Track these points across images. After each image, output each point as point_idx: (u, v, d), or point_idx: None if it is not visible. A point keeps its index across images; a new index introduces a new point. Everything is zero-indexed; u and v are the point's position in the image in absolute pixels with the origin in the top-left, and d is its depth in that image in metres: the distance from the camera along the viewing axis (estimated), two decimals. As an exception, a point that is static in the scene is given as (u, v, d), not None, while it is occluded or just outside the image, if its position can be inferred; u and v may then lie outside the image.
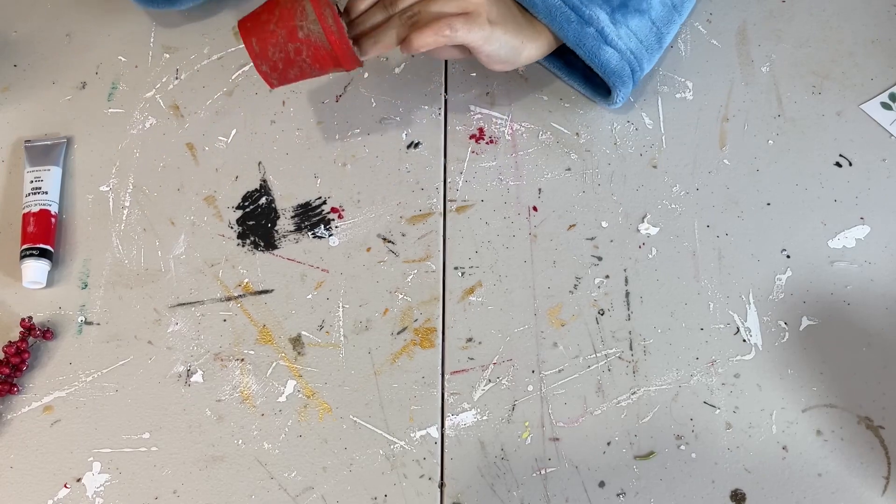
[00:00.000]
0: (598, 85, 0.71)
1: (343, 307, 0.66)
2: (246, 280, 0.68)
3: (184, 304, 0.67)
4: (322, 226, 0.69)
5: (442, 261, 0.68)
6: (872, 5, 0.76)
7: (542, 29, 0.65)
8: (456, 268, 0.67)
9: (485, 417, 0.62)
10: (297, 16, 0.58)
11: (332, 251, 0.68)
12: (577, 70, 0.72)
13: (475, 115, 0.73)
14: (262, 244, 0.69)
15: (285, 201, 0.70)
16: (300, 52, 0.60)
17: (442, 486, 0.61)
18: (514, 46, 0.63)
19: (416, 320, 0.66)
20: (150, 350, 0.66)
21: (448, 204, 0.70)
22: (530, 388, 0.63)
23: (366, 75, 0.75)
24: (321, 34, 0.59)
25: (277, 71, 0.61)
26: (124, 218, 0.71)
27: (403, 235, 0.69)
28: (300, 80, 0.62)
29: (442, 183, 0.71)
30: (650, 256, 0.67)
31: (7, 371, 0.63)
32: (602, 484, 0.60)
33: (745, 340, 0.64)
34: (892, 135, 0.70)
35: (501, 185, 0.70)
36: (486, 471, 0.61)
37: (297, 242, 0.69)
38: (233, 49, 0.77)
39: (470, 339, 0.65)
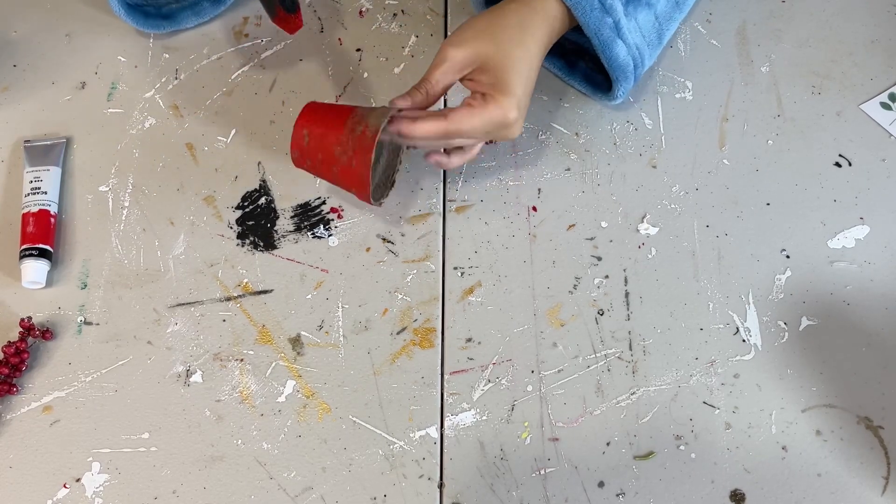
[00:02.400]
0: (597, 83, 0.71)
1: (342, 307, 0.66)
2: (245, 280, 0.68)
3: (183, 304, 0.67)
4: (321, 226, 0.69)
5: (441, 261, 0.68)
6: (872, 5, 0.76)
7: (548, 29, 0.64)
8: (455, 268, 0.67)
9: (484, 417, 0.62)
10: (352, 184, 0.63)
11: (331, 251, 0.68)
12: (578, 70, 0.72)
13: (475, 115, 0.73)
14: (261, 244, 0.69)
15: (285, 201, 0.70)
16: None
17: (441, 486, 0.61)
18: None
19: (415, 320, 0.66)
20: (150, 350, 0.66)
21: (447, 204, 0.70)
22: (530, 388, 0.63)
23: (365, 76, 0.75)
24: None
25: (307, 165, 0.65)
26: (124, 218, 0.71)
27: (403, 235, 0.69)
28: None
29: (441, 183, 0.71)
30: (650, 256, 0.67)
31: (6, 371, 0.63)
32: (601, 484, 0.60)
33: (744, 340, 0.64)
34: (891, 135, 0.70)
35: (501, 186, 0.70)
36: (486, 471, 0.61)
37: (296, 242, 0.69)
38: (232, 49, 0.77)
39: (469, 340, 0.65)
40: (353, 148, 0.60)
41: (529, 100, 0.62)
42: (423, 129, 0.60)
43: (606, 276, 0.66)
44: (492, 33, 0.61)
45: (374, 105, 0.73)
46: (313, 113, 0.62)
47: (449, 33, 0.76)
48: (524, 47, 0.60)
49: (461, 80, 0.62)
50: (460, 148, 0.65)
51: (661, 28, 0.67)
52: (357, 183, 0.61)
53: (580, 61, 0.72)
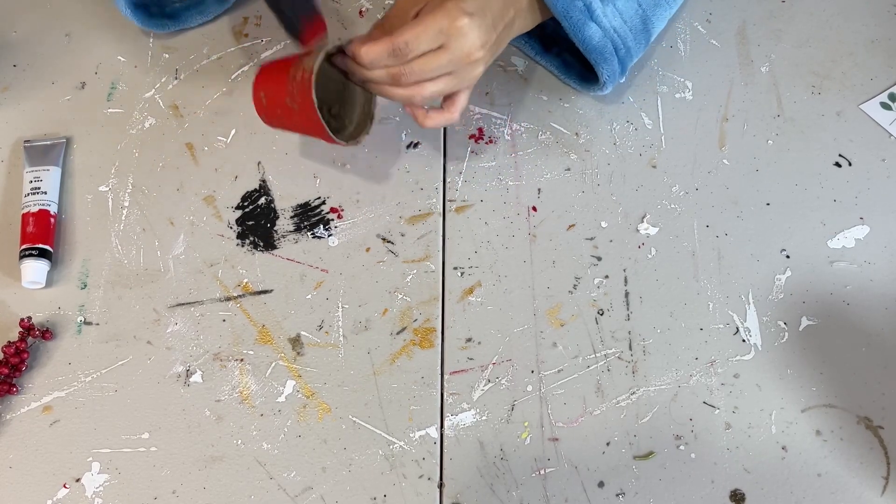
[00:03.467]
0: (594, 82, 0.71)
1: (342, 307, 0.66)
2: (245, 280, 0.68)
3: (183, 304, 0.67)
4: (321, 226, 0.69)
5: (441, 261, 0.68)
6: (872, 5, 0.76)
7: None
8: (455, 268, 0.67)
9: (484, 417, 0.62)
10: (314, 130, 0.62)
11: (331, 251, 0.68)
12: (574, 69, 0.72)
13: (474, 114, 0.73)
14: (261, 244, 0.69)
15: (285, 201, 0.70)
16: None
17: (441, 486, 0.61)
18: (503, 43, 0.63)
19: (415, 320, 0.66)
20: (150, 350, 0.66)
21: (447, 204, 0.70)
22: (529, 388, 0.63)
23: (365, 75, 0.75)
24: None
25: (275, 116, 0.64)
26: (123, 218, 0.71)
27: (403, 235, 0.69)
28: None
29: (441, 183, 0.71)
30: (649, 256, 0.67)
31: (6, 371, 0.63)
32: (601, 484, 0.60)
33: (744, 340, 0.64)
34: (891, 135, 0.70)
35: (501, 185, 0.70)
36: (486, 471, 0.61)
37: (296, 242, 0.69)
38: (232, 49, 0.77)
39: (469, 340, 0.65)
40: (298, 93, 0.59)
41: (492, 23, 0.59)
42: (370, 49, 0.58)
43: (606, 276, 0.66)
44: None
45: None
46: (266, 72, 0.63)
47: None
48: None
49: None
50: (440, 107, 0.63)
51: (645, 15, 0.67)
52: (314, 127, 0.61)
53: (573, 57, 0.72)
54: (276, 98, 0.62)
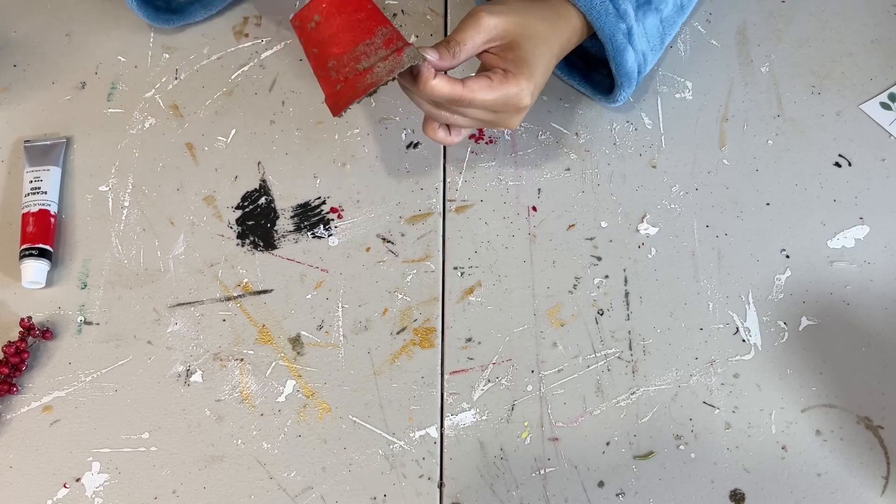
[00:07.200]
0: (596, 83, 0.71)
1: (342, 307, 0.66)
2: (245, 280, 0.68)
3: (183, 304, 0.67)
4: (321, 226, 0.69)
5: (441, 261, 0.68)
6: (872, 5, 0.76)
7: (564, 23, 0.62)
8: (455, 268, 0.67)
9: (484, 417, 0.62)
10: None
11: (331, 251, 0.68)
12: (577, 70, 0.72)
13: (475, 115, 0.73)
14: (261, 244, 0.69)
15: (285, 201, 0.70)
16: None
17: (441, 486, 0.61)
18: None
19: (415, 320, 0.66)
20: (150, 350, 0.66)
21: (447, 204, 0.70)
22: (529, 388, 0.63)
23: (365, 75, 0.75)
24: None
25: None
26: (124, 218, 0.71)
27: (403, 235, 0.69)
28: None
29: (441, 183, 0.71)
30: (649, 256, 0.67)
31: (6, 371, 0.63)
32: (601, 484, 0.60)
33: (744, 340, 0.64)
34: (891, 135, 0.70)
35: (501, 185, 0.70)
36: (486, 471, 0.61)
37: (296, 242, 0.69)
38: (232, 49, 0.77)
39: (469, 339, 0.65)
40: (345, 77, 0.56)
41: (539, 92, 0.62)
42: (439, 85, 0.57)
43: (606, 276, 0.66)
44: (526, 17, 0.60)
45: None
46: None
47: (449, 33, 0.76)
48: (548, 46, 0.60)
49: (482, 52, 0.61)
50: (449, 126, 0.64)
51: (664, 32, 0.67)
52: (328, 95, 0.58)
53: (578, 60, 0.72)
54: (323, 51, 0.56)
